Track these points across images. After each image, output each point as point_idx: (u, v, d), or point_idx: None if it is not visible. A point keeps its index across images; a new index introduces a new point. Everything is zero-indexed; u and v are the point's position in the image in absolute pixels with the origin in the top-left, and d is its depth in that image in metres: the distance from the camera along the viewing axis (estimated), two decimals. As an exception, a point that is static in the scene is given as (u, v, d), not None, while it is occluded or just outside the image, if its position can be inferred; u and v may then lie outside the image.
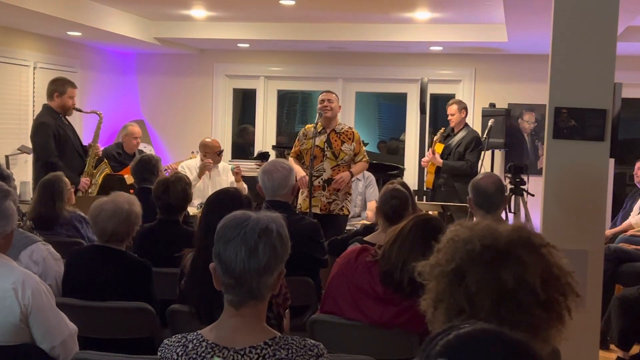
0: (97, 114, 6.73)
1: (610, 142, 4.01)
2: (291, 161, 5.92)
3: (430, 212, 7.12)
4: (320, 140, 5.97)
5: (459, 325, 1.20)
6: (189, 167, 6.91)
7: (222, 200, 3.34)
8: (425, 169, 7.38)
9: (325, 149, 6.00)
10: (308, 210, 5.83)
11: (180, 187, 4.37)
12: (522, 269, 1.52)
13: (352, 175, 6.06)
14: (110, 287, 3.43)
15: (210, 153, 6.90)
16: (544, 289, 1.52)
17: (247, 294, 1.96)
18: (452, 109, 7.32)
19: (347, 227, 6.19)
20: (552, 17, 4.05)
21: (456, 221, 1.70)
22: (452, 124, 7.34)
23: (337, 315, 3.29)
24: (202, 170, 6.82)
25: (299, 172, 5.90)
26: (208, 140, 7.08)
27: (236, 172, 6.97)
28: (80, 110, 6.64)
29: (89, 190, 6.37)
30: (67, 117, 6.45)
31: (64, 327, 2.88)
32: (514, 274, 1.51)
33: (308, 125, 6.26)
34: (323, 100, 6.07)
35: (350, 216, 6.53)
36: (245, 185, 7.00)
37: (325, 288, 3.48)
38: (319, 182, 5.95)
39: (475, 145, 7.19)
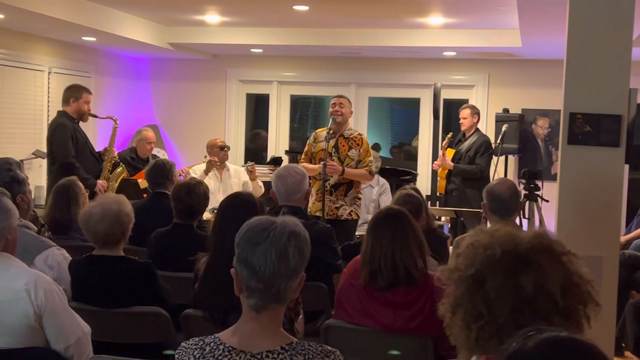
0: (112, 119, 6.76)
1: (625, 148, 4.00)
2: (304, 165, 5.89)
3: (443, 218, 7.14)
4: (329, 145, 5.95)
5: (546, 328, 1.26)
6: (200, 170, 6.95)
7: (236, 205, 3.34)
8: (437, 175, 7.37)
9: (333, 153, 5.98)
10: (319, 215, 5.81)
11: (202, 191, 4.40)
12: (542, 276, 1.52)
13: (343, 172, 5.89)
14: (116, 295, 3.42)
15: (214, 149, 6.94)
16: (564, 297, 1.52)
17: (272, 298, 1.97)
18: (464, 112, 7.32)
19: (360, 233, 6.16)
20: (566, 22, 4.05)
21: (477, 227, 1.70)
22: (463, 128, 7.33)
23: (349, 324, 3.30)
24: (209, 167, 6.85)
25: (314, 168, 5.88)
26: (212, 138, 7.15)
27: (250, 171, 6.98)
28: (95, 116, 6.67)
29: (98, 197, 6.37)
30: (81, 123, 6.48)
31: (77, 327, 2.89)
32: (533, 281, 1.51)
33: (319, 130, 6.25)
34: (335, 104, 6.04)
35: (362, 222, 6.51)
36: (260, 183, 7.02)
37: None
38: (326, 187, 5.93)
39: (485, 149, 7.19)
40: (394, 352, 2.57)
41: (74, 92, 6.40)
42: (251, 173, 6.98)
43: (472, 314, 1.54)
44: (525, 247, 1.56)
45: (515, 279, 1.52)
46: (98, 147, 6.80)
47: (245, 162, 8.45)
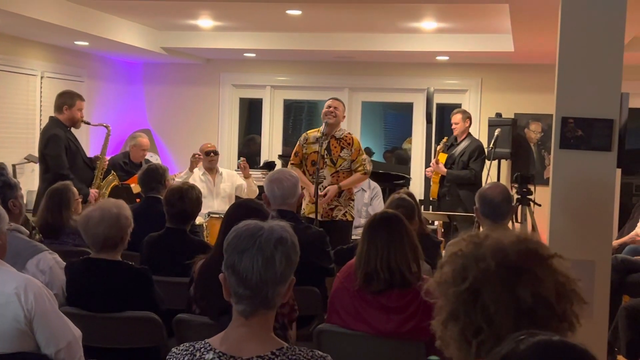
0: (105, 126, 6.69)
1: (617, 152, 4.01)
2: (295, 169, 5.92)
3: (436, 222, 7.15)
4: (321, 147, 5.96)
5: (538, 332, 1.26)
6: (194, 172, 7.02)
7: (244, 213, 3.30)
8: (430, 179, 7.38)
9: (325, 156, 5.99)
10: (312, 217, 5.81)
11: (194, 195, 4.39)
12: (537, 283, 1.52)
13: (339, 189, 5.93)
14: (111, 299, 3.41)
15: (202, 153, 7.01)
16: (558, 301, 1.52)
17: (260, 304, 1.96)
18: (456, 117, 7.35)
19: (353, 237, 6.16)
20: (558, 27, 4.06)
21: (460, 233, 1.68)
22: (455, 133, 7.36)
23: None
24: (192, 164, 6.95)
25: (307, 184, 5.89)
26: (205, 143, 7.22)
27: (243, 167, 7.01)
28: (88, 123, 6.60)
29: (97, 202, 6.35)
30: (73, 129, 6.44)
31: (68, 331, 2.88)
32: (531, 290, 1.51)
33: (309, 131, 6.25)
34: (329, 106, 6.06)
35: (355, 226, 6.51)
36: (253, 181, 7.05)
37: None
38: (320, 189, 5.94)
39: (479, 154, 7.20)
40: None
41: (67, 100, 6.29)
42: (245, 169, 7.00)
43: (471, 329, 1.52)
44: (516, 256, 1.55)
45: (513, 291, 1.51)
46: (90, 153, 6.76)
47: (239, 167, 8.47)
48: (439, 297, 1.60)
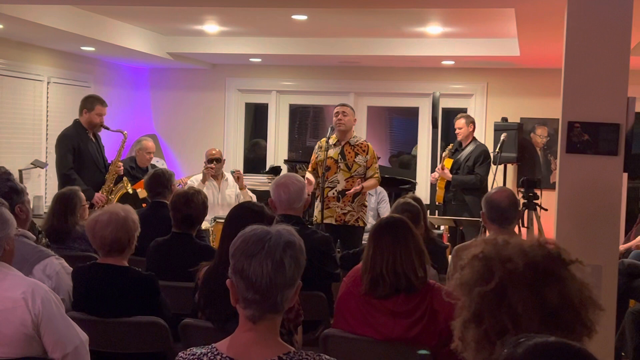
0: (122, 133, 6.79)
1: (623, 157, 4.00)
2: (308, 175, 5.97)
3: (442, 227, 7.14)
4: (334, 152, 6.00)
5: (535, 335, 1.27)
6: (197, 180, 6.97)
7: (244, 215, 3.31)
8: (436, 184, 7.38)
9: (339, 160, 6.02)
10: (325, 223, 5.83)
11: (200, 200, 4.39)
12: (563, 286, 1.52)
13: (362, 189, 6.01)
14: (117, 305, 3.41)
15: (207, 160, 6.99)
16: (581, 304, 1.52)
17: (269, 308, 1.95)
18: (459, 122, 7.34)
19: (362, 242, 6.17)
20: (564, 31, 4.06)
21: (480, 237, 1.68)
22: (459, 138, 7.36)
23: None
24: (204, 175, 6.88)
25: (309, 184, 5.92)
26: (210, 148, 7.19)
27: (237, 177, 6.96)
28: (107, 128, 6.69)
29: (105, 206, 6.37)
30: (95, 133, 6.54)
31: (75, 336, 2.88)
32: (557, 292, 1.51)
33: (323, 139, 6.29)
34: (337, 113, 6.09)
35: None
36: (251, 194, 7.02)
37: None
38: (334, 193, 5.97)
39: (484, 158, 7.19)
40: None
41: (87, 104, 6.51)
42: (239, 180, 6.97)
43: (495, 330, 1.51)
44: (542, 258, 1.55)
45: (541, 292, 1.51)
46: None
47: (244, 171, 8.46)
48: (461, 297, 1.59)
